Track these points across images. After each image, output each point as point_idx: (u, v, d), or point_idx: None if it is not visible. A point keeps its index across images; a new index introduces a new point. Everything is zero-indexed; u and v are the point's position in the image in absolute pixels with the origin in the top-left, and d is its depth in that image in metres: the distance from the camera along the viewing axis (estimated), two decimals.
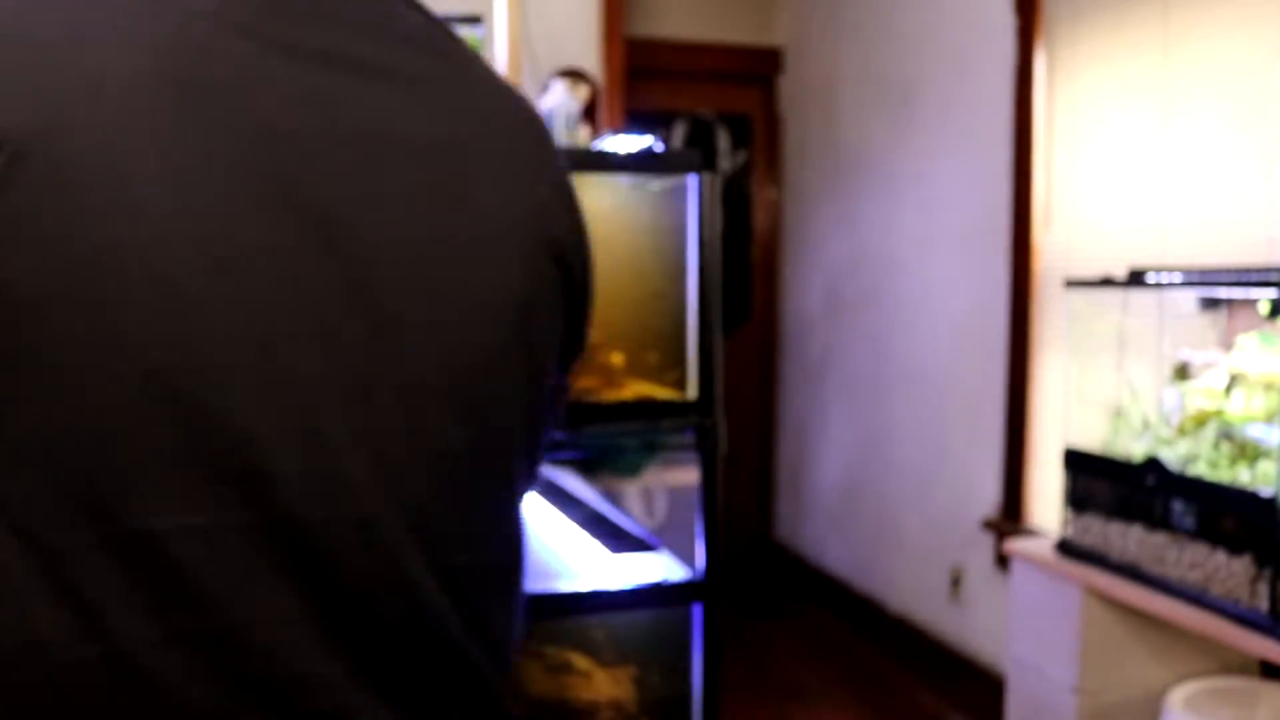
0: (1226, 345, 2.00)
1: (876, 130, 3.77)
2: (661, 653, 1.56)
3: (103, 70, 0.58)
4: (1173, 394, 2.03)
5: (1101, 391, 2.26)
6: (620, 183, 1.44)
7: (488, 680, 0.71)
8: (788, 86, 4.62)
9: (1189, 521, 1.90)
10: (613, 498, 1.92)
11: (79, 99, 0.57)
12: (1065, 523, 2.21)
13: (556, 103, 2.57)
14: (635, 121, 3.92)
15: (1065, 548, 2.18)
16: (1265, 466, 1.79)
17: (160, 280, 0.58)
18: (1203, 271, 2.10)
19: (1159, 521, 1.96)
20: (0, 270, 0.55)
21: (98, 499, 0.57)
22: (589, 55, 3.43)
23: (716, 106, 4.69)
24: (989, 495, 3.11)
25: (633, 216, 1.46)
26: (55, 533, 0.56)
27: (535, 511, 1.86)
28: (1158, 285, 2.06)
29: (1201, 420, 1.93)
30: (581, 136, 2.60)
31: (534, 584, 1.42)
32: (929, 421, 3.46)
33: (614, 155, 1.40)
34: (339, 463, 0.62)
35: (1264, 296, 1.89)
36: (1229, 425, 1.89)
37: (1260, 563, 1.76)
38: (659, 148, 1.40)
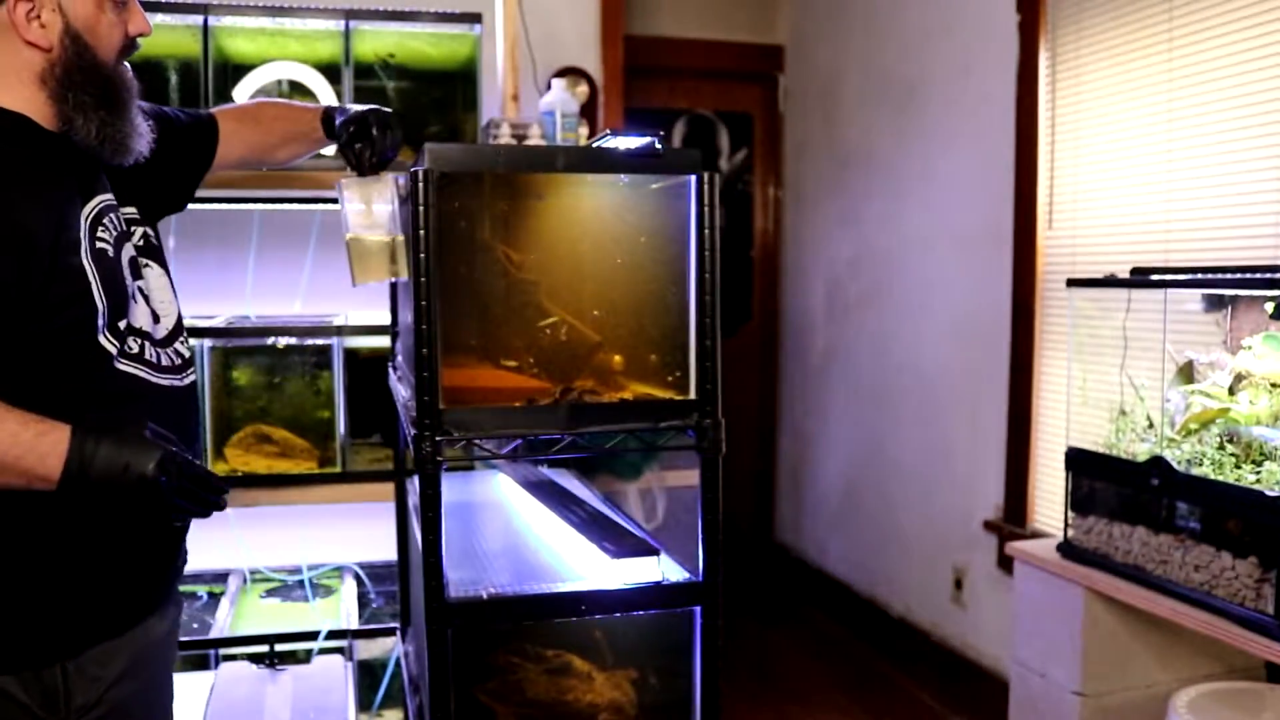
0: (1232, 345, 1.99)
1: (878, 128, 3.76)
2: (661, 655, 1.54)
3: None
4: (1177, 394, 2.01)
5: (1105, 392, 2.25)
6: (620, 182, 1.42)
7: None
8: (789, 84, 4.60)
9: (1193, 523, 1.89)
10: (613, 499, 1.91)
11: None
12: (1068, 524, 2.19)
13: (555, 101, 2.56)
14: (635, 120, 3.91)
15: (1068, 549, 2.17)
16: (1271, 467, 1.78)
17: None
18: (1207, 271, 2.08)
19: (1163, 523, 1.95)
20: None
21: None
22: (588, 54, 3.42)
23: (717, 105, 4.67)
24: (992, 496, 3.10)
25: (632, 216, 1.45)
26: None
27: (535, 513, 1.84)
28: (1161, 284, 2.05)
29: (1206, 421, 1.91)
30: (580, 135, 2.59)
31: (534, 585, 1.41)
32: (931, 422, 3.44)
33: (613, 154, 1.39)
34: None
35: (1270, 296, 1.88)
36: (1234, 426, 1.88)
37: (1265, 564, 1.75)
38: (659, 147, 1.39)
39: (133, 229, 1.48)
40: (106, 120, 1.35)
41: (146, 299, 1.44)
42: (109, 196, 1.43)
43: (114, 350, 1.33)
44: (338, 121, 1.64)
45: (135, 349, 1.38)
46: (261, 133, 1.71)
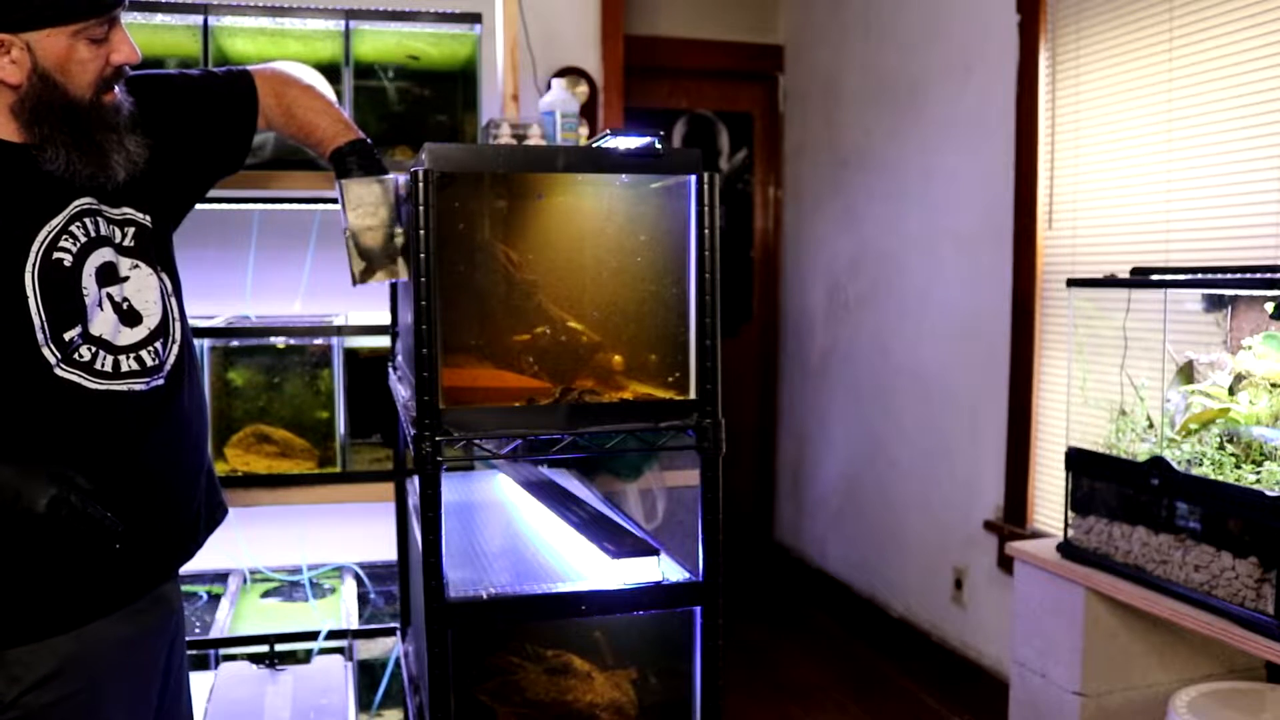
0: (1231, 345, 1.99)
1: (878, 128, 3.76)
2: (661, 655, 1.54)
3: None
4: (1177, 394, 2.01)
5: (1105, 392, 2.25)
6: (620, 182, 1.42)
7: None
8: (789, 84, 4.60)
9: (1193, 523, 1.88)
10: (613, 499, 1.91)
11: None
12: (1068, 524, 2.19)
13: (555, 101, 2.56)
14: (635, 120, 3.91)
15: (1068, 549, 2.17)
16: (1271, 467, 1.78)
17: None
18: (1207, 271, 2.08)
19: (1163, 523, 1.95)
20: None
21: None
22: (588, 54, 3.42)
23: (717, 105, 4.67)
24: (992, 496, 3.10)
25: (632, 216, 1.45)
26: None
27: (535, 513, 1.84)
28: (1161, 284, 2.05)
29: (1206, 421, 1.91)
30: (580, 135, 2.59)
31: (534, 585, 1.41)
32: (931, 421, 3.44)
33: (613, 154, 1.39)
34: None
35: (1270, 296, 1.88)
36: (1234, 426, 1.88)
37: (1265, 564, 1.75)
38: (659, 147, 1.39)
39: (122, 229, 1.47)
40: (73, 156, 1.38)
41: (118, 305, 1.43)
42: (89, 200, 1.42)
43: (54, 360, 1.36)
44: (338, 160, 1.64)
45: (86, 357, 1.39)
46: (280, 123, 1.69)
